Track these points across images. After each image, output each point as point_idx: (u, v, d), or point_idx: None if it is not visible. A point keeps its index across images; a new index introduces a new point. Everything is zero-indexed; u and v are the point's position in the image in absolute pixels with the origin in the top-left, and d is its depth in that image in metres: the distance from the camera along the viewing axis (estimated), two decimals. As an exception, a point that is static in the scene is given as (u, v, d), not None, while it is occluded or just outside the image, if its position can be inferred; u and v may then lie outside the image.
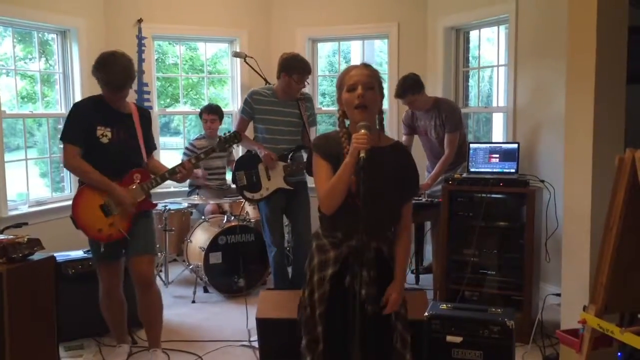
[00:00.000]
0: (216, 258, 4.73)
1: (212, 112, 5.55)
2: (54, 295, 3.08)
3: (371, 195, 2.10)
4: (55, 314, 3.10)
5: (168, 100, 9.34)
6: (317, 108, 6.34)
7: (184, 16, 5.96)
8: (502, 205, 3.97)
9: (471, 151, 4.23)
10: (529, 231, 3.81)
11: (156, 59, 6.41)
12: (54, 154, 5.43)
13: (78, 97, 5.31)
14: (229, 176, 5.83)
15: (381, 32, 6.03)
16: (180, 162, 3.51)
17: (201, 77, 7.67)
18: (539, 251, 4.00)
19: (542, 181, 3.99)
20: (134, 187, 3.32)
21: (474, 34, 5.49)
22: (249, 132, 4.45)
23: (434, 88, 5.35)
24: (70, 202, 3.34)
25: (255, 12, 6.23)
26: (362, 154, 2.11)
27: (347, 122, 2.34)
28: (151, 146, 3.54)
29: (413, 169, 2.40)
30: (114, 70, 3.19)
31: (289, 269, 4.57)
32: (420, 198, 4.58)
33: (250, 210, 5.18)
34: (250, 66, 5.63)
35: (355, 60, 8.01)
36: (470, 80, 5.64)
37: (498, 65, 5.34)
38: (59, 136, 3.39)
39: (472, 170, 4.19)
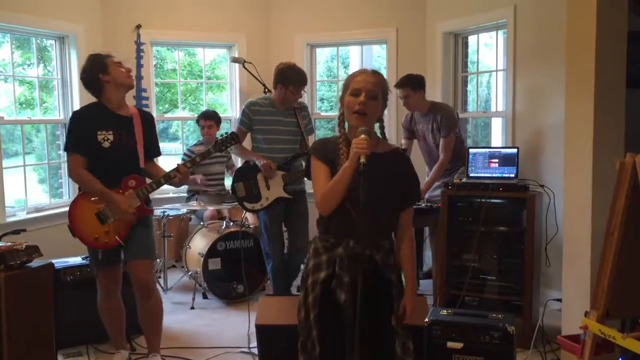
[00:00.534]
0: (215, 264, 4.71)
1: (209, 118, 5.53)
2: (52, 302, 3.07)
3: (368, 202, 2.09)
4: (53, 321, 3.09)
5: (166, 105, 9.33)
6: (316, 113, 6.32)
7: (183, 22, 5.96)
8: (501, 210, 3.96)
9: (470, 156, 4.22)
10: (529, 236, 3.80)
11: (155, 65, 6.40)
12: (52, 160, 5.42)
13: (76, 103, 5.31)
14: (228, 182, 5.82)
15: (380, 37, 6.03)
16: (175, 166, 3.49)
17: (200, 83, 7.66)
18: (539, 256, 3.99)
19: (542, 186, 3.98)
20: (129, 193, 3.30)
21: (472, 39, 5.50)
22: (246, 143, 4.43)
23: (433, 93, 5.35)
24: (68, 209, 3.33)
25: (253, 18, 6.24)
26: (362, 159, 2.10)
27: (347, 124, 2.35)
28: (155, 151, 3.53)
29: (412, 175, 2.40)
30: None
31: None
32: (419, 203, 4.57)
33: (249, 216, 5.17)
34: (249, 71, 5.62)
35: (354, 66, 8.02)
36: (468, 85, 5.65)
37: (496, 70, 5.34)
38: (63, 148, 3.39)
39: (471, 175, 4.18)
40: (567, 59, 3.33)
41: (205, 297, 4.91)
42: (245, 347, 3.84)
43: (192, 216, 5.53)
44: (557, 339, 3.16)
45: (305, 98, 4.54)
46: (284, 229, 4.47)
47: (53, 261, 3.19)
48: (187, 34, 6.04)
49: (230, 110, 6.40)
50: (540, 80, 4.55)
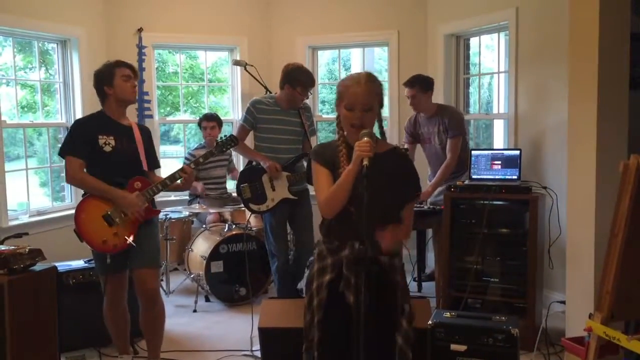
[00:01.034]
0: (217, 267, 4.71)
1: (211, 120, 5.55)
2: (56, 306, 3.07)
3: (371, 203, 2.09)
4: (56, 324, 3.08)
5: (168, 108, 9.35)
6: (317, 115, 6.34)
7: (184, 25, 5.96)
8: (504, 212, 3.96)
9: (473, 158, 4.22)
10: (531, 238, 3.79)
11: (156, 68, 6.40)
12: (54, 163, 5.42)
13: (78, 107, 5.32)
14: (229, 185, 5.82)
15: (381, 39, 6.03)
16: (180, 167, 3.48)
17: (201, 86, 7.68)
18: (542, 258, 3.99)
19: (545, 187, 3.98)
20: (136, 194, 3.30)
21: (474, 41, 5.49)
22: (249, 142, 4.43)
23: (435, 95, 5.31)
24: (70, 212, 3.34)
25: (255, 21, 6.24)
26: (365, 162, 2.10)
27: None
28: (155, 162, 3.54)
29: (412, 171, 2.40)
30: None
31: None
32: (422, 205, 4.57)
33: (251, 218, 5.16)
34: (251, 74, 5.63)
35: (356, 69, 8.02)
36: (470, 87, 5.64)
37: (498, 72, 5.34)
38: (58, 152, 3.37)
39: (474, 177, 4.18)
40: (569, 60, 3.33)
41: (207, 300, 4.90)
42: (248, 350, 3.83)
43: (195, 219, 5.53)
44: (562, 341, 3.17)
45: (308, 98, 4.55)
46: (289, 230, 4.48)
47: (56, 264, 3.19)
48: (188, 37, 6.04)
49: (232, 113, 6.40)
50: (542, 82, 4.55)
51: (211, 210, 5.16)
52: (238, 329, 4.21)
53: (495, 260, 3.97)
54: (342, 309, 2.21)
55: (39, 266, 2.99)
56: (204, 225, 5.19)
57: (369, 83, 2.28)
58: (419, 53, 5.74)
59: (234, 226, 4.91)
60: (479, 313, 3.47)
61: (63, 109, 5.42)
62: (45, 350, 3.03)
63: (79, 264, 3.91)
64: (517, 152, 4.15)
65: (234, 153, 5.81)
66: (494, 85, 5.71)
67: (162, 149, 6.83)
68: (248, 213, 4.47)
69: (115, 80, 3.30)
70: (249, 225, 4.98)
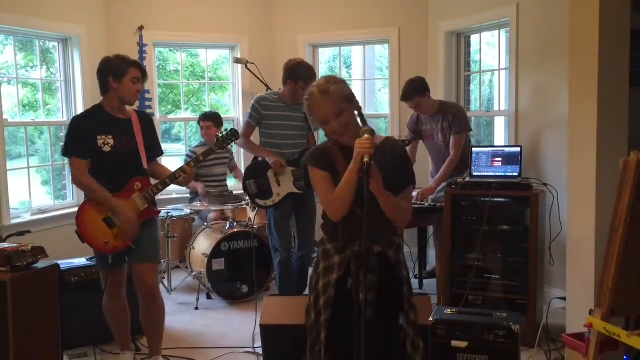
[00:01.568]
0: (219, 264, 4.72)
1: (207, 119, 5.53)
2: (58, 303, 3.08)
3: (371, 200, 2.10)
4: (59, 321, 3.09)
5: (169, 106, 9.36)
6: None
7: (185, 23, 5.97)
8: (505, 209, 3.96)
9: (474, 155, 4.22)
10: (532, 234, 3.80)
11: (157, 66, 6.41)
12: (55, 161, 5.43)
13: (80, 105, 5.33)
14: (230, 183, 5.83)
15: (382, 37, 6.03)
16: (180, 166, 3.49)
17: (202, 84, 7.69)
18: (543, 255, 3.99)
19: (545, 184, 3.98)
20: (136, 196, 3.31)
21: (474, 38, 5.49)
22: (254, 138, 4.44)
23: (436, 92, 5.34)
24: (72, 210, 3.36)
25: (256, 19, 6.24)
26: (366, 159, 2.11)
27: None
28: (156, 151, 3.54)
29: (406, 159, 2.39)
30: None
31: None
32: (423, 202, 4.57)
33: (253, 216, 5.17)
34: (252, 72, 5.64)
35: (356, 66, 8.01)
36: (471, 84, 5.65)
37: (499, 69, 5.34)
38: (61, 152, 3.37)
39: (475, 174, 4.18)
40: (570, 57, 3.33)
41: (209, 297, 4.92)
42: (249, 347, 3.84)
43: (196, 217, 5.54)
44: (562, 337, 3.17)
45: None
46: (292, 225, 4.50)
47: (58, 262, 3.20)
48: (189, 35, 6.05)
49: (233, 111, 6.41)
50: (543, 79, 4.55)
51: (212, 208, 5.17)
52: (240, 326, 4.22)
53: (496, 257, 3.98)
54: (350, 306, 2.21)
55: (41, 264, 3.00)
56: (205, 223, 5.20)
57: (327, 94, 2.25)
58: (419, 50, 5.75)
59: (235, 224, 4.92)
60: (479, 310, 3.48)
61: (64, 108, 5.43)
62: (48, 348, 3.04)
63: (81, 261, 3.93)
64: (518, 149, 4.15)
65: (235, 150, 5.81)
66: (494, 82, 5.72)
67: (163, 147, 6.81)
68: (250, 210, 4.47)
69: (124, 79, 3.28)
70: (250, 223, 4.99)
